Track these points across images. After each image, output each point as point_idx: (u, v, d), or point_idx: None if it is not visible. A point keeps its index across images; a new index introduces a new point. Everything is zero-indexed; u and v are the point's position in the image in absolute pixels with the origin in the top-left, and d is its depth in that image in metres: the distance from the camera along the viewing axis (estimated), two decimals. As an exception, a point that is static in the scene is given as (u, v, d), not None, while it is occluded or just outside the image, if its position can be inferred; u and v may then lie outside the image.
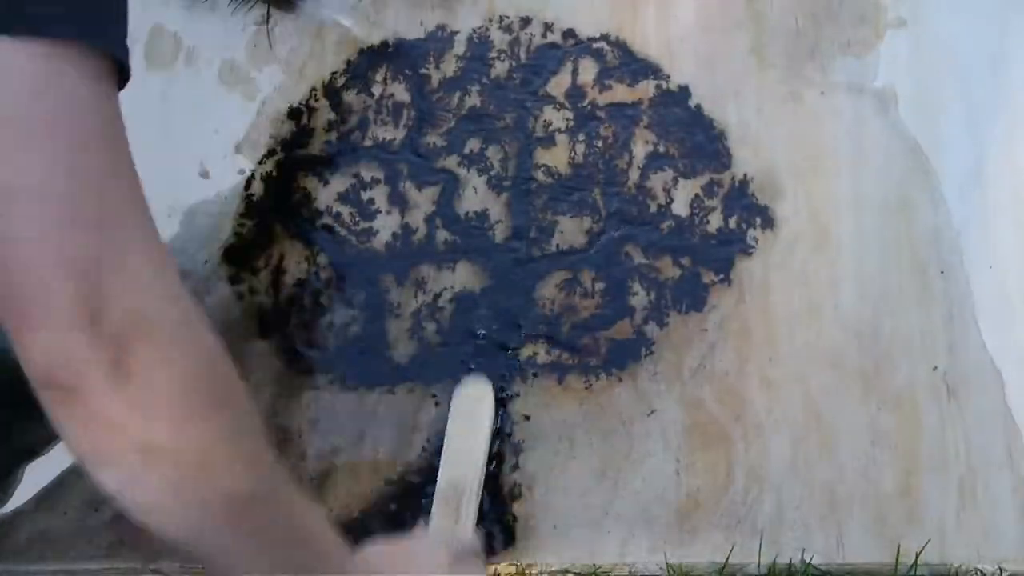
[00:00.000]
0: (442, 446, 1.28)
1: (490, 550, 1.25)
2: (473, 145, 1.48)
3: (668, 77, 1.52)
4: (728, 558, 1.22)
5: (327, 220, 1.44)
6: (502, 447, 1.31)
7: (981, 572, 1.21)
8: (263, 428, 0.85)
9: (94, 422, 0.73)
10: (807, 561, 1.21)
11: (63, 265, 0.70)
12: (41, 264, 0.70)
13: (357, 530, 1.22)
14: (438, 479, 1.25)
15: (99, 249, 0.72)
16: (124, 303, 0.72)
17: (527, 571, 1.24)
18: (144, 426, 0.73)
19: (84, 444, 0.75)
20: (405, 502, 1.28)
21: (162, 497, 0.76)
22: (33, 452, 1.25)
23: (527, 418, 1.31)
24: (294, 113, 1.52)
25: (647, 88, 1.51)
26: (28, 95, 0.70)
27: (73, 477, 1.29)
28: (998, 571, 1.21)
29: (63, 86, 0.72)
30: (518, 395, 1.33)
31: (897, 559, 1.21)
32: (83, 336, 0.71)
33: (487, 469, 1.29)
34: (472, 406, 1.31)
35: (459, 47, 1.56)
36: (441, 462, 1.27)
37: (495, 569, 1.25)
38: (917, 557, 1.21)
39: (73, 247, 0.71)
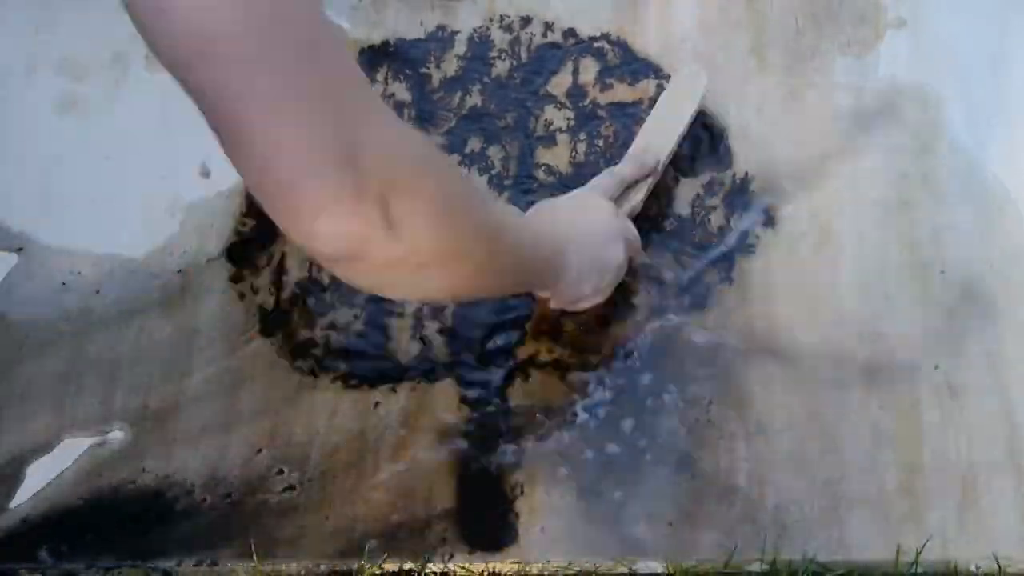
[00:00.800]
0: None
1: (492, 548, 1.25)
2: (474, 144, 1.49)
3: (669, 77, 1.52)
4: (731, 557, 1.22)
5: (328, 219, 1.44)
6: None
7: (983, 571, 1.21)
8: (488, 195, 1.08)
9: (379, 270, 0.83)
10: (809, 559, 1.21)
11: (322, 154, 0.75)
12: (302, 161, 0.75)
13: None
14: (635, 141, 1.41)
15: (348, 129, 0.76)
16: (381, 164, 0.78)
17: (528, 569, 1.24)
18: (418, 257, 0.84)
19: (374, 285, 0.90)
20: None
21: (438, 286, 0.92)
22: None
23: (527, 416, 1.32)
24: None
25: (648, 87, 1.51)
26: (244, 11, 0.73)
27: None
28: (997, 569, 1.21)
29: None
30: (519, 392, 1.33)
31: (898, 557, 1.21)
32: (356, 211, 0.77)
33: (678, 147, 1.43)
34: (681, 86, 1.44)
35: (460, 47, 1.56)
36: (642, 128, 1.42)
37: (495, 567, 1.25)
38: (918, 555, 1.21)
39: (326, 136, 0.75)
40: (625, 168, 1.37)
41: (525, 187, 1.45)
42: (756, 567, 1.23)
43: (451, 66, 1.55)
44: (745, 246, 1.39)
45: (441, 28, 1.58)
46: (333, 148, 0.75)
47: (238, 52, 0.72)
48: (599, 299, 1.31)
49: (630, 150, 1.40)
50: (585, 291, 1.26)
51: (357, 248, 0.79)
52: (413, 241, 0.82)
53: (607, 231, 1.27)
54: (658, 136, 1.41)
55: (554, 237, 1.18)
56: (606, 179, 1.35)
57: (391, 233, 0.80)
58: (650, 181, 1.38)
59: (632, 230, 1.32)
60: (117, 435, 1.32)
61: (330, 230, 0.77)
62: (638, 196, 1.37)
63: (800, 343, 1.33)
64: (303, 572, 1.26)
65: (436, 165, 0.88)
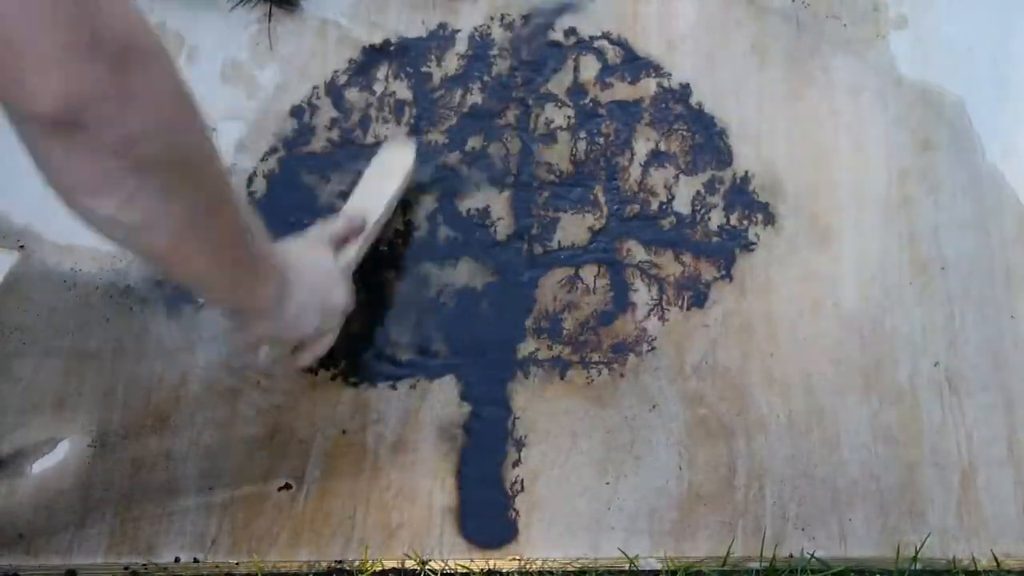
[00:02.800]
0: None
1: (493, 545, 1.25)
2: (475, 142, 1.49)
3: (669, 75, 1.52)
4: (728, 552, 1.22)
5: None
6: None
7: (983, 567, 1.21)
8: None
9: (97, 155, 0.80)
10: (809, 555, 1.21)
11: (51, 5, 0.72)
12: (31, 8, 0.72)
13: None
14: (348, 199, 1.39)
15: None
16: (118, 28, 0.76)
17: (528, 566, 1.24)
18: (145, 144, 0.81)
19: (85, 178, 0.82)
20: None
21: (155, 214, 0.87)
22: None
23: (528, 414, 1.32)
24: (296, 111, 1.52)
25: (648, 86, 1.51)
26: None
27: (75, 472, 1.29)
28: (995, 565, 1.21)
29: None
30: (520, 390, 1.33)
31: (898, 555, 1.21)
32: (85, 66, 0.74)
33: (390, 216, 1.40)
34: (391, 158, 1.42)
35: (460, 45, 1.56)
36: (355, 189, 1.40)
37: (494, 564, 1.25)
38: (917, 552, 1.21)
39: None
40: (337, 223, 1.32)
41: (526, 185, 1.45)
42: (756, 564, 1.22)
43: (452, 64, 1.55)
44: (745, 244, 1.39)
45: (442, 26, 1.58)
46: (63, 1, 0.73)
47: None
48: (319, 348, 1.27)
49: (343, 208, 1.37)
50: (307, 329, 1.22)
51: (79, 111, 0.76)
52: (143, 123, 0.79)
53: (331, 273, 1.25)
54: (369, 199, 1.38)
55: (283, 260, 1.15)
56: (322, 229, 1.31)
57: (121, 105, 0.77)
58: (361, 241, 1.34)
59: (350, 283, 1.29)
60: (118, 431, 1.32)
61: (50, 84, 0.74)
62: (349, 254, 1.32)
63: (800, 340, 1.34)
64: (303, 570, 1.26)
65: (172, 63, 0.84)
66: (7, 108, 0.77)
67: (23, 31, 0.72)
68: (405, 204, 1.44)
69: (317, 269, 1.23)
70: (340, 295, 1.25)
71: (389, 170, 1.41)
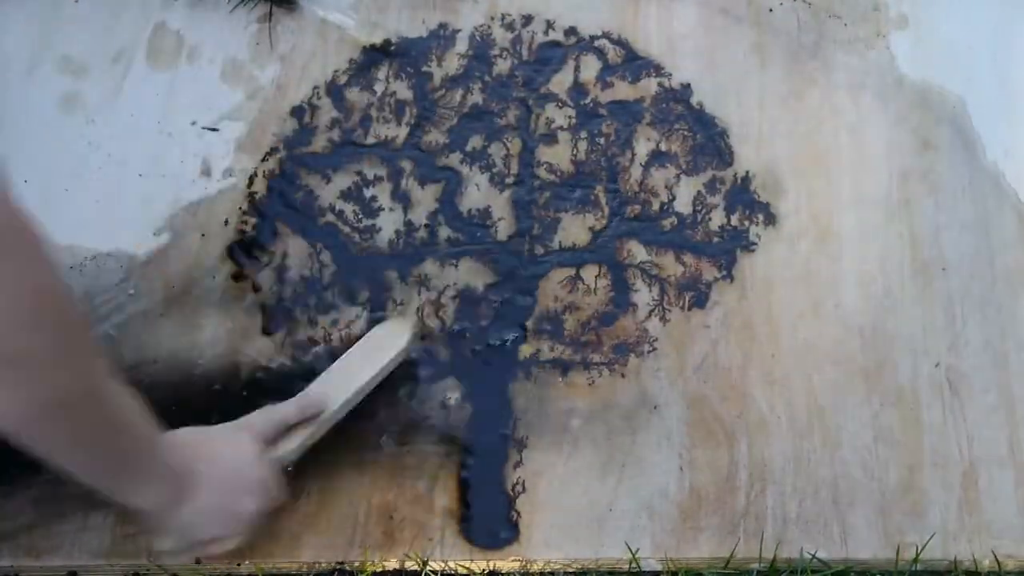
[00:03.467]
0: None
1: (495, 546, 1.25)
2: (475, 142, 1.48)
3: (670, 75, 1.52)
4: (732, 554, 1.22)
5: (330, 217, 1.44)
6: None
7: (984, 567, 1.22)
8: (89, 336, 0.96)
9: None
10: (810, 556, 1.22)
11: None
12: None
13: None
14: (313, 382, 1.29)
15: None
16: None
17: (530, 567, 1.24)
18: None
19: None
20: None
21: (7, 402, 0.87)
22: None
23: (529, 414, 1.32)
24: (296, 111, 1.52)
25: (649, 86, 1.51)
26: None
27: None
28: (996, 566, 1.21)
29: None
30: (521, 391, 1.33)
31: (897, 555, 1.21)
32: None
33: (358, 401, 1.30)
34: (382, 339, 1.35)
35: (461, 45, 1.56)
36: (324, 373, 1.30)
37: (495, 564, 1.25)
38: (919, 553, 1.21)
39: None
40: (289, 408, 1.23)
41: (527, 185, 1.45)
42: (757, 565, 1.23)
43: (452, 64, 1.55)
44: (746, 244, 1.39)
45: (443, 26, 1.58)
46: None
47: None
48: (220, 548, 1.17)
49: (306, 389, 1.28)
50: (205, 534, 1.14)
51: None
52: None
53: (247, 478, 1.16)
54: (333, 386, 1.29)
55: (184, 459, 1.09)
56: (265, 416, 1.21)
57: None
58: (311, 430, 1.24)
59: (273, 480, 1.18)
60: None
61: None
62: (292, 444, 1.23)
63: (801, 341, 1.34)
64: (304, 570, 1.26)
65: (28, 254, 0.85)
66: None
67: None
68: (406, 206, 1.44)
69: (230, 469, 1.15)
70: (250, 505, 1.15)
71: (372, 352, 1.33)
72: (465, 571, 1.25)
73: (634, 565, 1.23)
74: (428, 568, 1.24)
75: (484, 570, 1.25)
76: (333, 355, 1.34)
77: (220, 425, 1.18)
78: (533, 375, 1.33)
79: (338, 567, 1.26)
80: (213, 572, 1.27)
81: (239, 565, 1.26)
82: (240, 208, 1.45)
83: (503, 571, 1.25)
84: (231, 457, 1.15)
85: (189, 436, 1.13)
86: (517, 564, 1.24)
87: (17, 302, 0.82)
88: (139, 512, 1.09)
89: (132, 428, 1.02)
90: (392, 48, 1.56)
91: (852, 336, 1.34)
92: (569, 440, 1.30)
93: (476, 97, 1.52)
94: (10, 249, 0.81)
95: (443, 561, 1.25)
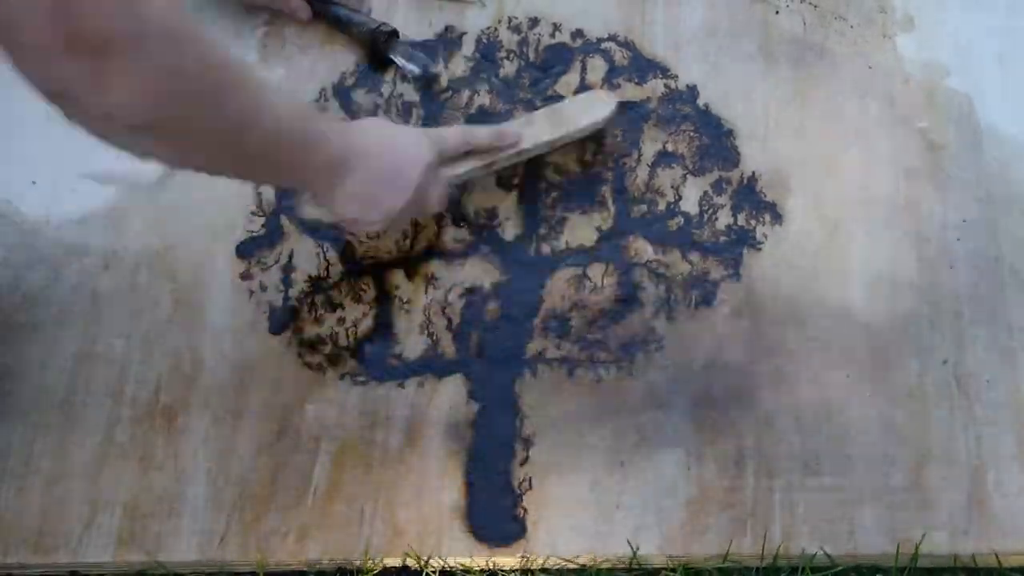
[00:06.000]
0: None
1: (501, 543, 1.25)
2: (482, 143, 1.49)
3: (676, 77, 1.52)
4: (737, 551, 1.22)
5: (337, 217, 1.44)
6: None
7: (993, 564, 1.21)
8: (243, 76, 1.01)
9: (89, 118, 0.88)
10: (813, 553, 1.21)
11: (34, 7, 0.79)
12: (17, 10, 0.79)
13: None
14: (513, 122, 1.44)
15: None
16: (97, 26, 0.81)
17: (532, 563, 1.24)
18: (126, 117, 0.87)
19: (88, 128, 0.89)
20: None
21: (156, 151, 0.95)
22: None
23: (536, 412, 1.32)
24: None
25: (655, 87, 1.52)
26: None
27: (84, 471, 1.29)
28: (1003, 563, 1.21)
29: None
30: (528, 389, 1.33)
31: (898, 552, 1.21)
32: (61, 61, 0.81)
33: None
34: (587, 105, 1.46)
35: (468, 47, 1.57)
36: (533, 113, 1.45)
37: (496, 561, 1.25)
38: (917, 549, 1.21)
39: None
40: (482, 132, 1.37)
41: (533, 185, 1.45)
42: (764, 562, 1.22)
43: (459, 66, 1.55)
44: (753, 243, 1.39)
45: (449, 29, 1.58)
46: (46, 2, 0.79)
47: None
48: (366, 228, 1.28)
49: (503, 124, 1.42)
50: (369, 215, 1.24)
51: (65, 94, 0.84)
52: (121, 101, 0.85)
53: (403, 177, 1.24)
54: (536, 128, 1.42)
55: (344, 142, 1.17)
56: (456, 131, 1.35)
57: (96, 89, 0.83)
58: (491, 160, 1.37)
59: (433, 189, 1.29)
60: (125, 430, 1.32)
61: (42, 72, 0.82)
62: (467, 165, 1.36)
63: (808, 338, 1.34)
64: (308, 568, 1.26)
65: (169, 37, 0.87)
66: None
67: (15, 27, 0.80)
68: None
69: (389, 165, 1.23)
70: (398, 197, 1.24)
71: (578, 113, 1.44)
72: (464, 571, 1.24)
73: (636, 562, 1.23)
74: (428, 568, 1.24)
75: (485, 568, 1.25)
76: (338, 354, 1.34)
77: (412, 127, 1.35)
78: (540, 373, 1.33)
79: (342, 565, 1.26)
80: (219, 571, 1.27)
81: (245, 563, 1.26)
82: (248, 208, 1.45)
83: (505, 568, 1.25)
84: (396, 153, 1.24)
85: (368, 124, 1.26)
86: (524, 561, 1.24)
87: (144, 85, 0.86)
88: (314, 196, 1.23)
89: (300, 124, 1.09)
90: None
91: (859, 334, 1.33)
92: (576, 437, 1.29)
93: (483, 99, 1.52)
94: (133, 42, 0.84)
95: (447, 559, 1.24)
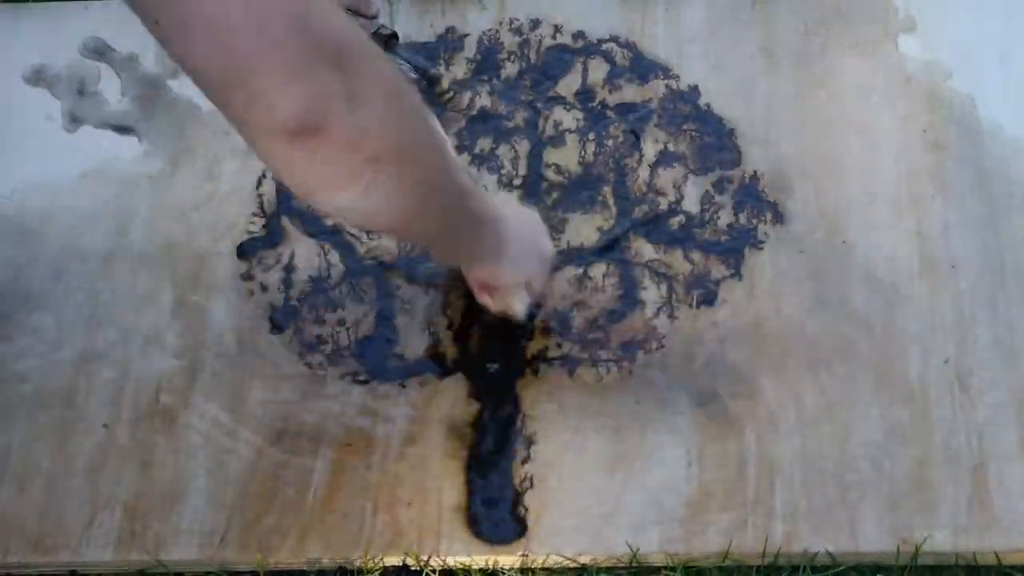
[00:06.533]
0: None
1: (502, 542, 1.24)
2: (483, 144, 1.49)
3: (678, 77, 1.52)
4: (729, 549, 1.21)
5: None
6: None
7: (994, 563, 1.21)
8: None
9: (336, 152, 0.84)
10: (815, 552, 1.21)
11: (279, 27, 0.77)
12: (260, 35, 0.76)
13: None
14: None
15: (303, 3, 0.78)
16: (331, 32, 0.80)
17: (532, 562, 1.24)
18: (376, 140, 0.85)
19: (326, 177, 0.87)
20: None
21: (389, 198, 0.91)
22: None
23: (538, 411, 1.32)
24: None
25: (657, 88, 1.52)
26: None
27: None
28: (1001, 561, 1.20)
29: None
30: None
31: (898, 551, 1.20)
32: (315, 76, 0.79)
33: None
34: None
35: (469, 49, 1.57)
36: None
37: (496, 560, 1.24)
38: (918, 549, 1.20)
39: (278, 8, 0.77)
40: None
41: (535, 186, 1.45)
42: (766, 560, 1.22)
43: (460, 68, 1.55)
44: (754, 242, 1.39)
45: (450, 31, 1.58)
46: (282, 17, 0.76)
47: None
48: (533, 289, 1.30)
49: None
50: (523, 275, 1.27)
51: (318, 117, 0.80)
52: (372, 117, 0.84)
53: (536, 221, 1.31)
54: None
55: (495, 211, 1.18)
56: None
57: (351, 104, 0.82)
58: None
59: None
60: (125, 430, 1.32)
61: (290, 98, 0.79)
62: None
63: (810, 337, 1.33)
64: (308, 568, 1.26)
65: (381, 55, 0.89)
66: (242, 129, 0.83)
67: (254, 55, 0.77)
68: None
69: (524, 217, 1.28)
70: (548, 243, 1.31)
71: None
72: (463, 570, 1.24)
73: (636, 560, 1.23)
74: (428, 567, 1.24)
75: (485, 567, 1.24)
76: (338, 354, 1.35)
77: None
78: (541, 372, 1.33)
79: (342, 565, 1.26)
80: (220, 570, 1.27)
81: (245, 562, 1.26)
82: (249, 209, 1.45)
83: (505, 567, 1.24)
84: (519, 208, 1.31)
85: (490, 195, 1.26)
86: (525, 560, 1.23)
87: (383, 101, 0.85)
88: (475, 263, 1.26)
89: (472, 188, 1.10)
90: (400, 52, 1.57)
91: (861, 333, 1.33)
92: (577, 436, 1.29)
93: (484, 100, 1.53)
94: (362, 55, 0.84)
95: (448, 558, 1.24)
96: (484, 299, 1.31)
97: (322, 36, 0.78)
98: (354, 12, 1.54)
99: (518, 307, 1.30)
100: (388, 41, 1.53)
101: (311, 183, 0.88)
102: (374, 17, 1.55)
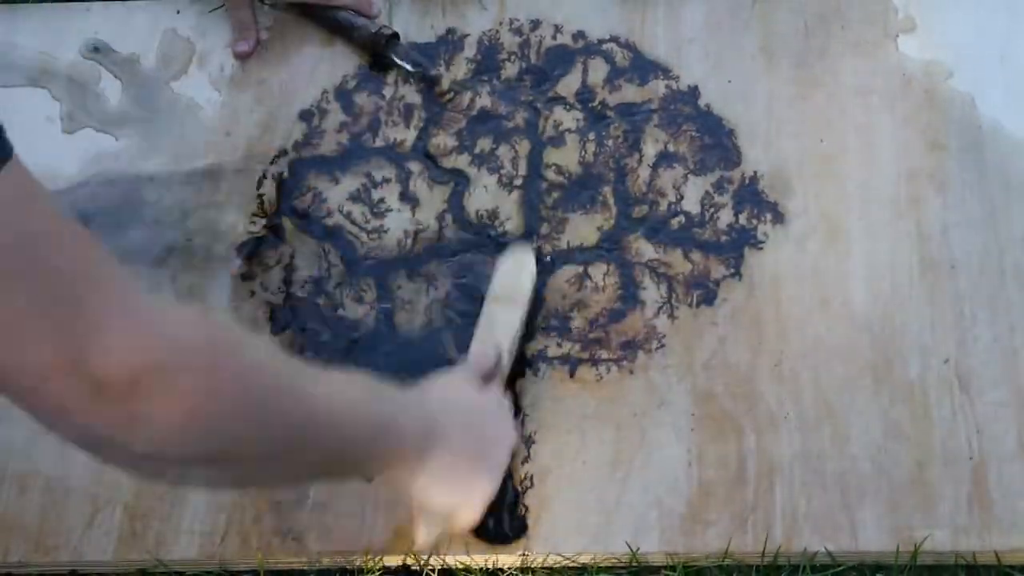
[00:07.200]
0: None
1: (503, 541, 1.24)
2: (484, 145, 1.49)
3: (678, 78, 1.53)
4: (729, 549, 1.21)
5: (338, 219, 1.45)
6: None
7: (994, 562, 1.21)
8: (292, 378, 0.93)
9: (132, 459, 0.81)
10: (815, 552, 1.21)
11: (49, 368, 0.73)
12: (30, 375, 0.73)
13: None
14: (473, 341, 1.29)
15: (76, 335, 0.73)
16: (118, 368, 0.74)
17: (532, 562, 1.24)
18: (172, 452, 0.79)
19: (127, 469, 0.87)
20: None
21: (211, 483, 0.93)
22: None
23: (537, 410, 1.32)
24: (305, 115, 1.53)
25: (657, 88, 1.52)
26: None
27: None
28: (1002, 561, 1.20)
29: None
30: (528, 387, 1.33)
31: (898, 550, 1.20)
32: (91, 411, 0.75)
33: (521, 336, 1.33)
34: (513, 272, 1.36)
35: (469, 50, 1.57)
36: (478, 324, 1.31)
37: (495, 560, 1.24)
38: (918, 547, 1.20)
39: (51, 348, 0.73)
40: (469, 368, 1.25)
41: (535, 186, 1.45)
42: (766, 560, 1.22)
43: (460, 68, 1.56)
44: (754, 242, 1.39)
45: (451, 31, 1.59)
46: (60, 358, 0.72)
47: None
48: (489, 487, 1.17)
49: (471, 350, 1.28)
50: (476, 477, 1.15)
51: (103, 443, 0.78)
52: (163, 439, 0.77)
53: (487, 401, 1.20)
54: (496, 329, 1.31)
55: (422, 421, 1.08)
56: (458, 371, 1.24)
57: (134, 431, 0.76)
58: (500, 374, 1.27)
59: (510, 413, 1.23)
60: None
61: (76, 430, 0.76)
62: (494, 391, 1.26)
63: (810, 337, 1.33)
64: (308, 568, 1.26)
65: (204, 357, 0.81)
66: None
67: (27, 391, 0.74)
68: (414, 207, 1.45)
69: (470, 402, 1.18)
70: (506, 425, 1.20)
71: (512, 289, 1.35)
72: (463, 570, 1.24)
73: (635, 560, 1.22)
74: (428, 568, 1.24)
75: (485, 567, 1.24)
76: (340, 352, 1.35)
77: (492, 392, 1.22)
78: (541, 371, 1.33)
79: (342, 565, 1.26)
80: (220, 570, 1.27)
81: (244, 562, 1.26)
82: (249, 209, 1.46)
83: (505, 567, 1.24)
84: (483, 431, 1.17)
85: (449, 393, 1.16)
86: (525, 559, 1.23)
87: (187, 415, 0.78)
88: (399, 479, 1.11)
89: (371, 410, 1.02)
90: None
91: (861, 333, 1.33)
92: (577, 436, 1.29)
93: (484, 100, 1.53)
94: (171, 372, 0.77)
95: (443, 559, 1.24)
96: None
97: (104, 371, 0.73)
98: (355, 11, 1.55)
99: (421, 537, 1.19)
100: (389, 41, 1.53)
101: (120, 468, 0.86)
102: (375, 17, 1.56)
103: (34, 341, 0.72)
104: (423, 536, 1.18)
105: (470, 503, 1.15)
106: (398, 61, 1.54)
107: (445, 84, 1.54)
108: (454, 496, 1.14)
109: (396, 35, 1.55)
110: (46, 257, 0.74)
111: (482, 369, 1.24)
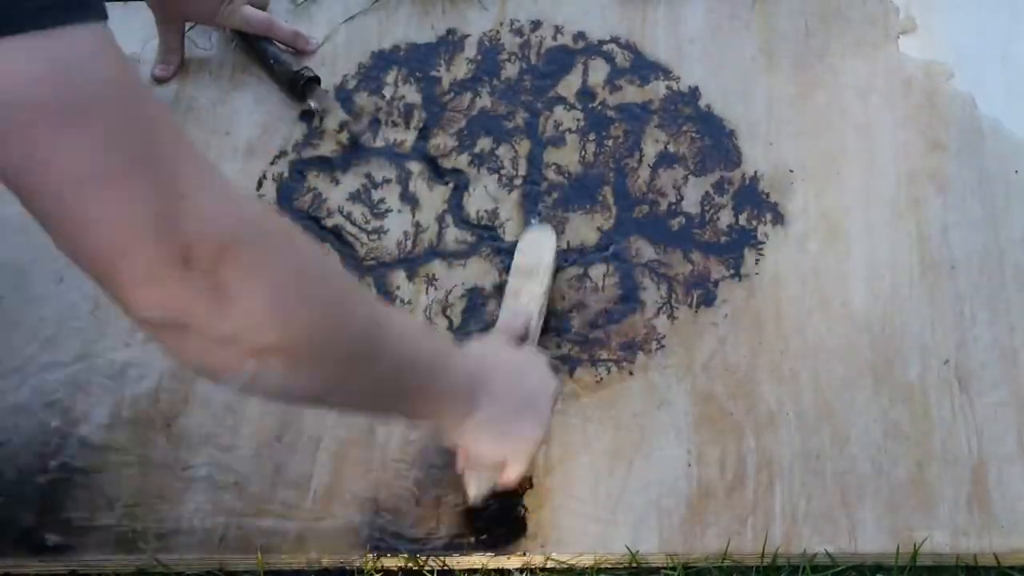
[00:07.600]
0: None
1: (502, 542, 1.24)
2: (484, 145, 1.49)
3: (678, 78, 1.53)
4: (729, 549, 1.21)
5: (338, 219, 1.45)
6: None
7: (993, 563, 1.21)
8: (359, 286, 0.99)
9: (209, 346, 0.79)
10: (814, 552, 1.21)
11: (140, 226, 0.73)
12: (121, 233, 0.73)
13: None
14: (500, 312, 1.32)
15: (167, 197, 0.74)
16: (213, 232, 0.76)
17: (532, 562, 1.24)
18: (253, 336, 0.79)
19: (205, 365, 0.82)
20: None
21: (283, 383, 0.84)
22: None
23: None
24: (305, 115, 1.53)
25: (657, 89, 1.52)
26: (50, 85, 0.70)
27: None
28: (1001, 562, 1.20)
29: (79, 68, 0.72)
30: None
31: (898, 551, 1.20)
32: (179, 279, 0.75)
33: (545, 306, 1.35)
34: (535, 248, 1.36)
35: (470, 50, 1.57)
36: (505, 296, 1.34)
37: (499, 562, 1.24)
38: (917, 548, 1.20)
39: (143, 208, 0.73)
40: (500, 336, 1.26)
41: (535, 186, 1.45)
42: (765, 560, 1.22)
43: (461, 69, 1.56)
44: (754, 243, 1.39)
45: (451, 32, 1.59)
46: (150, 218, 0.73)
47: (42, 118, 0.70)
48: (536, 436, 1.16)
49: (499, 324, 1.30)
50: (523, 426, 1.14)
51: (176, 317, 0.76)
52: (247, 317, 0.78)
53: (526, 356, 1.20)
54: (521, 300, 1.33)
55: (472, 365, 1.09)
56: (492, 335, 1.26)
57: (219, 306, 0.76)
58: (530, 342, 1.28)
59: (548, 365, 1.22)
60: (125, 430, 1.32)
61: (144, 300, 0.75)
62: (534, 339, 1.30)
63: (810, 338, 1.33)
64: (308, 567, 1.26)
65: (283, 237, 0.83)
66: None
67: (117, 250, 0.74)
68: (414, 207, 1.45)
69: (511, 355, 1.18)
70: (548, 375, 1.18)
71: (536, 262, 1.35)
72: (462, 571, 1.24)
73: (635, 561, 1.22)
74: (427, 567, 1.24)
75: (485, 567, 1.24)
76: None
77: (529, 349, 1.24)
78: (540, 371, 1.33)
79: (340, 565, 1.25)
80: (219, 570, 1.27)
81: (244, 561, 1.26)
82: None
83: (507, 568, 1.24)
84: (528, 381, 1.17)
85: (489, 348, 1.17)
86: (522, 560, 1.23)
87: (269, 297, 0.79)
88: (447, 430, 1.12)
89: (425, 352, 1.01)
90: (401, 53, 1.57)
91: (860, 334, 1.33)
92: (577, 436, 1.29)
93: (484, 101, 1.53)
94: (253, 248, 0.78)
95: (443, 559, 1.24)
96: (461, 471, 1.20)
97: (193, 237, 0.74)
98: (291, 47, 1.55)
99: (472, 491, 1.19)
100: (307, 83, 1.53)
101: (195, 366, 0.83)
102: (311, 54, 1.55)
103: (129, 200, 0.73)
104: (474, 489, 1.19)
105: (518, 453, 1.14)
106: (312, 105, 1.52)
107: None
108: (503, 446, 1.13)
109: (316, 79, 1.54)
110: (147, 121, 0.75)
111: (514, 332, 1.25)
